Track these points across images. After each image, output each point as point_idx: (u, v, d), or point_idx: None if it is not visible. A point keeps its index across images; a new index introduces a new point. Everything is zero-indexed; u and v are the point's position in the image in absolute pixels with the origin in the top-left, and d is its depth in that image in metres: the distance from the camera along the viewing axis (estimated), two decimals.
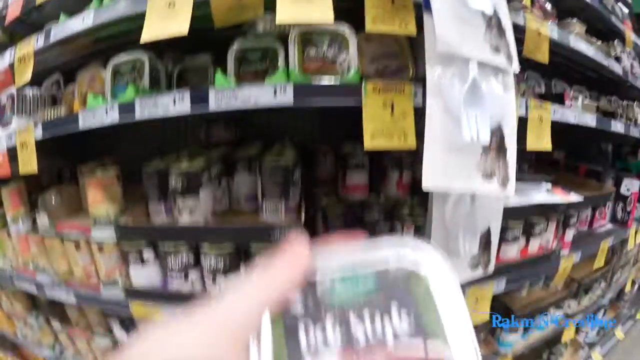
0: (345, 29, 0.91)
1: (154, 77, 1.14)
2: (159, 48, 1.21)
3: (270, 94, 0.86)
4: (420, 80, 0.89)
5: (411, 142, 0.86)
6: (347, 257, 0.29)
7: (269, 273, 0.28)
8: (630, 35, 2.03)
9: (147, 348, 0.24)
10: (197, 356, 0.23)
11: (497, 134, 0.85)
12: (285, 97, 0.86)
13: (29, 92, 1.49)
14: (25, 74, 1.37)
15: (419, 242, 0.28)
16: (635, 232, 1.93)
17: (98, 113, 1.11)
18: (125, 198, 1.28)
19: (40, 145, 1.26)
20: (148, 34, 0.95)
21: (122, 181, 1.29)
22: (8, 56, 1.42)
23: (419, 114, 0.86)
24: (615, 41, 1.86)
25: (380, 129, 0.84)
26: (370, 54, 0.96)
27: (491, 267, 1.02)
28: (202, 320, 0.25)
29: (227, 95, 0.89)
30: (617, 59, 1.82)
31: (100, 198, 1.21)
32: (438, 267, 0.27)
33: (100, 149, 1.61)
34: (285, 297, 0.27)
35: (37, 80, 1.53)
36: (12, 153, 1.38)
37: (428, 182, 0.76)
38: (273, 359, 0.25)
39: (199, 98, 0.93)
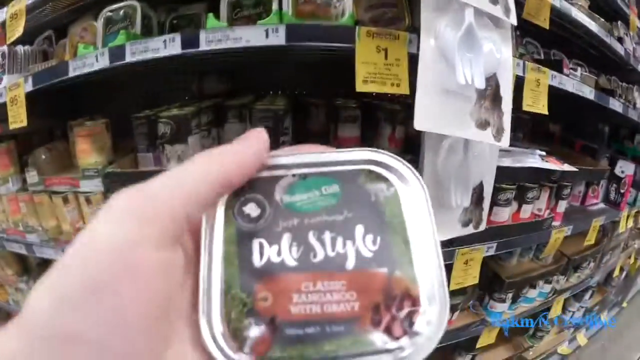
0: None
1: (146, 26, 1.12)
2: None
3: (262, 35, 0.84)
4: (415, 30, 0.87)
5: (404, 89, 0.84)
6: (312, 156, 0.26)
7: (216, 152, 0.23)
8: (635, 20, 2.01)
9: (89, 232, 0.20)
10: (120, 236, 0.19)
11: (492, 83, 0.84)
12: (278, 38, 0.84)
13: (20, 48, 1.47)
14: (17, 29, 1.35)
15: (392, 155, 0.25)
16: (627, 216, 1.92)
17: (88, 60, 1.09)
18: (114, 153, 1.26)
19: (31, 104, 1.24)
20: None
21: (111, 135, 1.27)
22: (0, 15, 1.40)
23: (414, 63, 0.84)
24: (619, 22, 1.84)
25: (373, 74, 0.83)
26: (366, 2, 0.94)
27: (482, 226, 1.02)
28: (129, 201, 0.20)
29: (218, 36, 0.87)
30: (620, 40, 1.80)
31: (88, 148, 1.19)
32: (410, 184, 0.24)
33: (91, 109, 1.58)
34: (235, 177, 0.23)
35: (29, 40, 1.51)
36: (1, 111, 1.36)
37: (420, 124, 0.75)
38: (223, 264, 0.22)
39: (190, 40, 0.91)
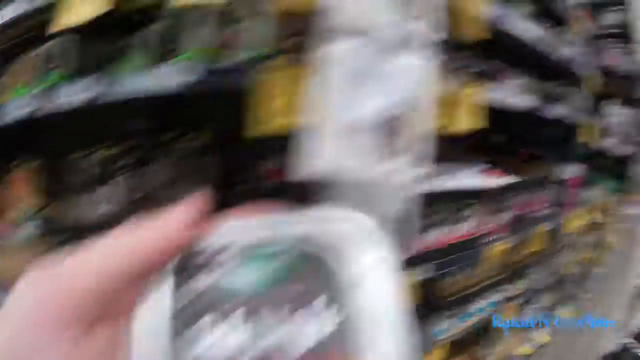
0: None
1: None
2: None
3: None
4: (323, 60, 0.87)
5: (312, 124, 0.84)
6: (260, 224, 0.23)
7: (138, 225, 0.22)
8: (580, 23, 2.03)
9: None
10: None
11: (404, 111, 0.84)
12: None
13: None
14: None
15: (354, 214, 0.23)
16: (574, 217, 1.97)
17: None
18: (48, 196, 1.23)
19: None
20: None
21: (46, 178, 1.24)
22: None
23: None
24: (565, 27, 1.87)
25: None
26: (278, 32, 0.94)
27: (412, 251, 1.02)
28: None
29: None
30: (565, 45, 1.83)
31: (21, 192, 1.17)
32: (374, 253, 0.21)
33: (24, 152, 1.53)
34: (158, 250, 0.21)
35: None
36: None
37: (311, 167, 0.73)
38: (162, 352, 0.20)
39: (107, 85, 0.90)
